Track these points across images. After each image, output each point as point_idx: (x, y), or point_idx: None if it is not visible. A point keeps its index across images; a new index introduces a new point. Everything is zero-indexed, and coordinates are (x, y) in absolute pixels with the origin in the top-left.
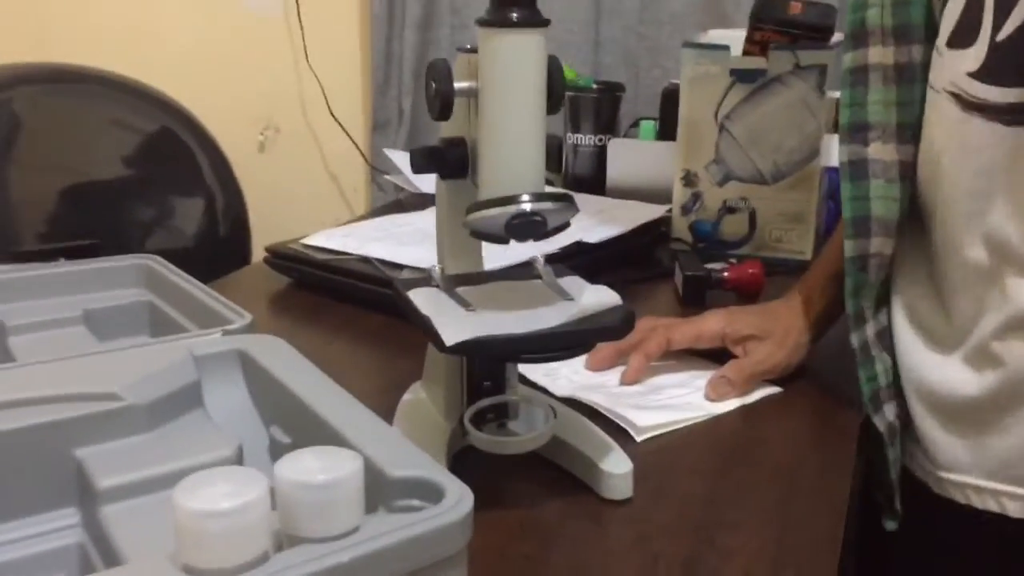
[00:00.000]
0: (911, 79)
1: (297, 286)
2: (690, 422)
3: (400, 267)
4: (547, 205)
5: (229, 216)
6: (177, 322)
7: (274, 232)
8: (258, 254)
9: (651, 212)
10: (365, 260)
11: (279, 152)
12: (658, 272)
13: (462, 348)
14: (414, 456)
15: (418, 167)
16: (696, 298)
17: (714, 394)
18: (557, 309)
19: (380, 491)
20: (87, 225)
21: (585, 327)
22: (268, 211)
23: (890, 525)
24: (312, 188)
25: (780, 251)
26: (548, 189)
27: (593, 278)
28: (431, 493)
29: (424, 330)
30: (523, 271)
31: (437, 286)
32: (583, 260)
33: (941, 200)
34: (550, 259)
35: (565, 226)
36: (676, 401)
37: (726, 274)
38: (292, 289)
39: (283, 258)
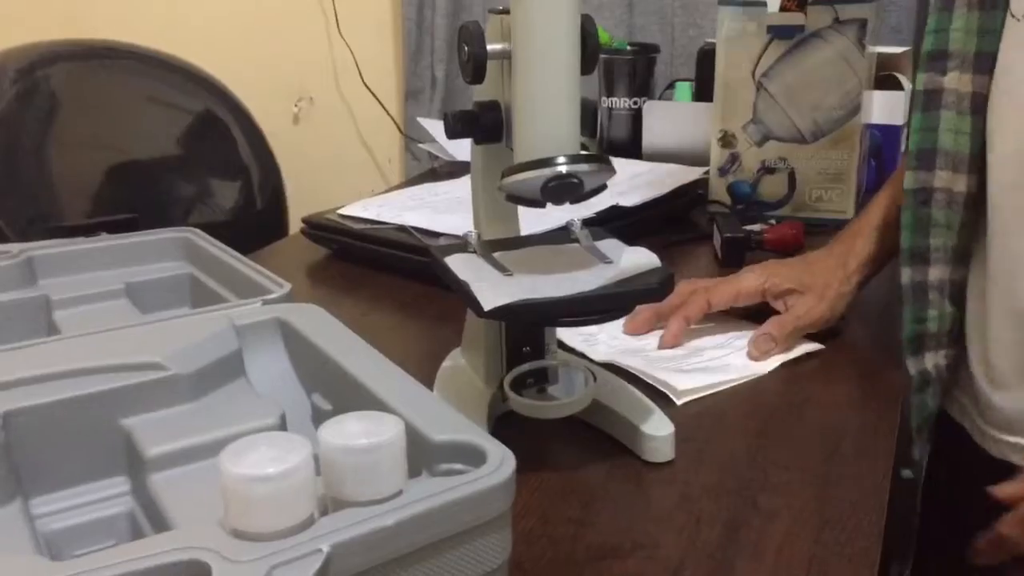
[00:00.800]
0: (993, 5)
1: (335, 256)
2: (730, 384)
3: (437, 235)
4: (583, 167)
5: (266, 188)
6: (217, 293)
7: (310, 203)
8: (295, 225)
9: (688, 174)
10: (402, 229)
11: (313, 123)
12: (696, 235)
13: (500, 313)
14: (455, 420)
15: (452, 132)
16: (735, 260)
17: (756, 351)
18: (595, 272)
19: (423, 456)
20: (126, 200)
21: (624, 289)
22: (304, 182)
23: (905, 473)
24: (347, 158)
25: (820, 211)
26: (584, 151)
27: (631, 242)
28: (473, 456)
29: (462, 296)
30: (560, 235)
31: (474, 252)
32: (620, 224)
33: (1013, 132)
34: (587, 223)
35: (602, 188)
36: (716, 363)
37: (765, 235)
38: (330, 259)
39: (320, 229)
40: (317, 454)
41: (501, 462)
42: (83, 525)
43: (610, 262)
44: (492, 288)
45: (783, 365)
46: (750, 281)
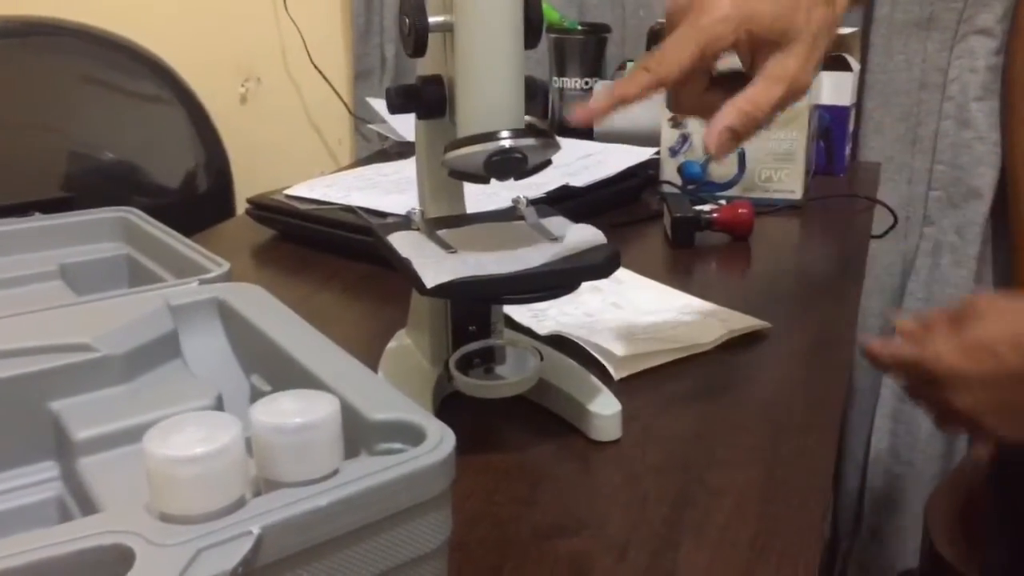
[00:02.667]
0: None
1: (280, 238)
2: (671, 356)
3: (384, 215)
4: (527, 141)
5: (211, 170)
6: (156, 274)
7: (258, 185)
8: (241, 208)
9: (639, 155)
10: (348, 209)
11: (261, 104)
12: (647, 215)
13: (443, 290)
14: (395, 399)
15: (394, 107)
16: (686, 239)
17: (713, 147)
18: (541, 249)
19: (361, 435)
20: (65, 183)
21: (569, 266)
22: (251, 164)
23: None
24: (296, 140)
25: (770, 191)
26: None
27: (581, 222)
28: (412, 435)
29: (404, 273)
30: (506, 213)
31: (417, 229)
32: (571, 205)
33: None
34: (536, 203)
35: (546, 164)
36: (661, 334)
37: (715, 215)
38: (275, 241)
39: (265, 209)
40: (249, 436)
41: (440, 440)
42: (10, 511)
43: (556, 239)
44: (435, 265)
45: (730, 341)
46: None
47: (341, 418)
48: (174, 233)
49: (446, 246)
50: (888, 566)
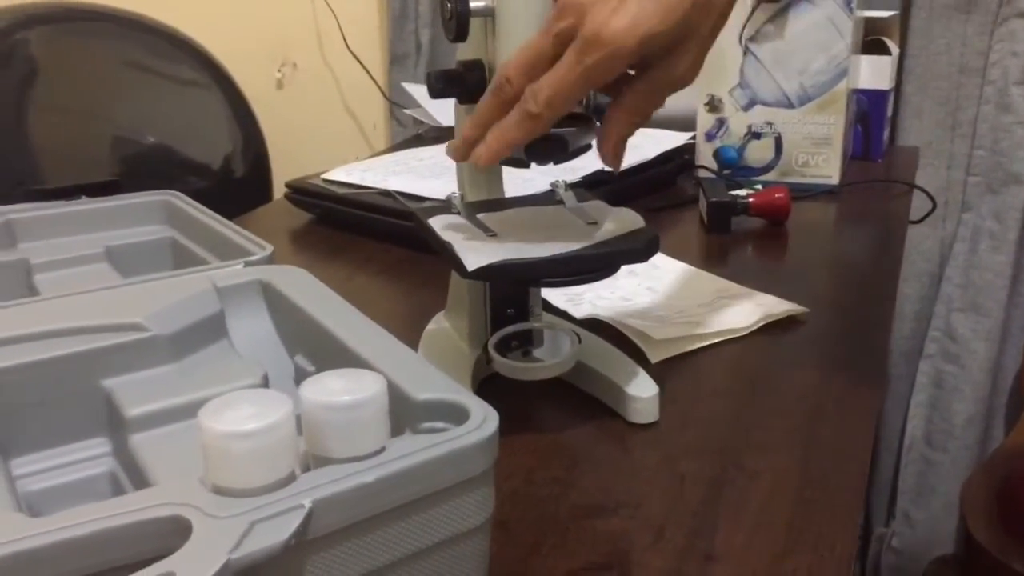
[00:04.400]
0: None
1: (318, 221)
2: (707, 341)
3: (421, 199)
4: (568, 126)
5: (249, 154)
6: (199, 256)
7: (294, 170)
8: (279, 192)
9: (675, 139)
10: (386, 193)
11: (297, 89)
12: (683, 200)
13: (484, 273)
14: (439, 379)
15: (436, 91)
16: (722, 225)
17: (614, 162)
18: (580, 233)
19: (405, 414)
20: (107, 166)
21: (609, 250)
22: (288, 149)
23: None
24: (331, 125)
25: (807, 176)
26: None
27: (618, 205)
28: (456, 415)
29: (446, 256)
30: (545, 197)
31: (458, 213)
32: (606, 189)
33: None
34: (572, 187)
35: (586, 148)
36: (697, 318)
37: (751, 200)
38: (313, 225)
39: (304, 193)
40: (299, 414)
41: (484, 419)
42: (64, 486)
43: (595, 223)
44: (476, 249)
45: (767, 325)
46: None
47: (387, 397)
48: (217, 216)
49: (486, 229)
50: (922, 552)
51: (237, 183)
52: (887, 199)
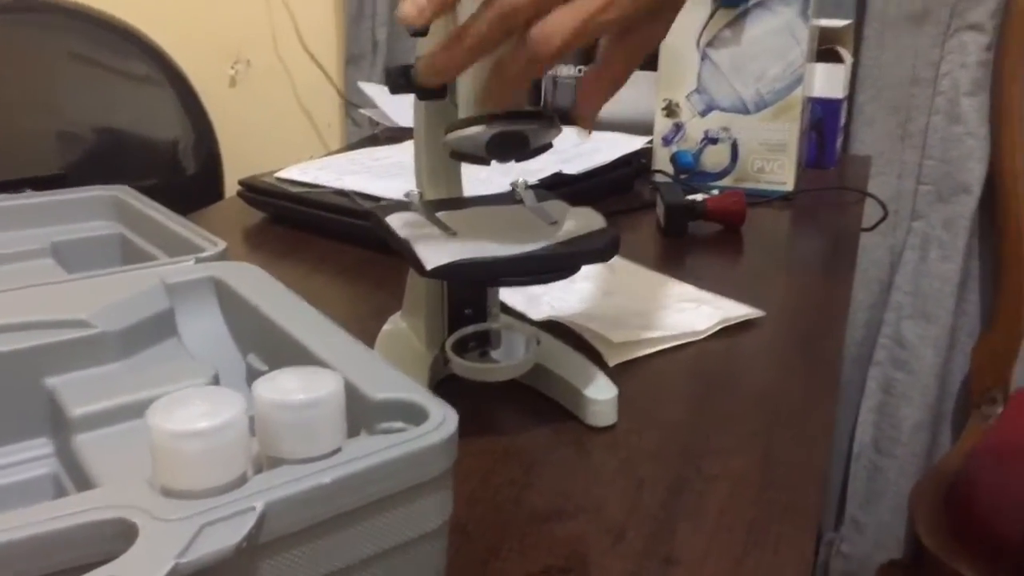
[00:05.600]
0: None
1: (272, 221)
2: (666, 344)
3: (377, 199)
4: (529, 123)
5: (200, 152)
6: (149, 253)
7: (247, 168)
8: (230, 191)
9: (632, 143)
10: (341, 193)
11: (250, 86)
12: (640, 203)
13: (443, 272)
14: (396, 378)
15: (395, 87)
16: (678, 228)
17: (589, 125)
18: (540, 232)
19: (362, 414)
20: (54, 161)
21: (570, 250)
22: (241, 147)
23: None
24: (285, 123)
25: (762, 182)
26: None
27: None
28: (414, 415)
29: (404, 254)
30: (505, 196)
31: (417, 211)
32: (564, 192)
33: None
34: (532, 188)
35: (547, 146)
36: (655, 321)
37: (708, 204)
38: (267, 224)
39: (257, 191)
40: (252, 414)
41: (443, 420)
42: (4, 488)
43: (555, 222)
44: (435, 247)
45: (723, 329)
46: None
47: (344, 396)
48: (167, 211)
49: (446, 228)
50: (871, 557)
51: (188, 181)
52: (840, 206)
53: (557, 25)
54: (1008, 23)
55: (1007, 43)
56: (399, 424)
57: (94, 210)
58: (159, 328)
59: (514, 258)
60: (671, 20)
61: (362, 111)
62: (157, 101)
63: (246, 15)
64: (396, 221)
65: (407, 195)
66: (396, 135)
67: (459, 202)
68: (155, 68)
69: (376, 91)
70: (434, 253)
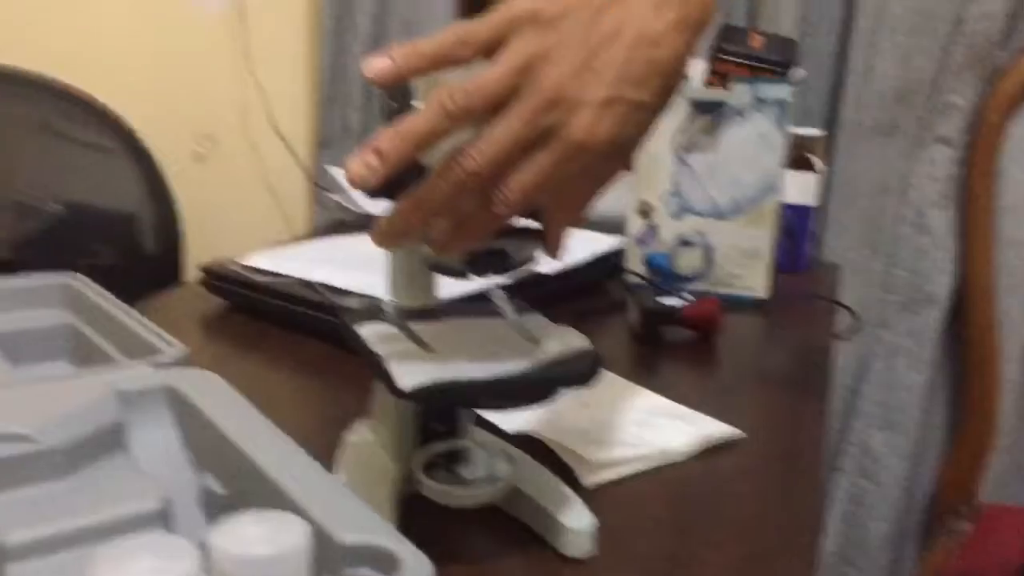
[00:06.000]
0: None
1: (234, 309)
2: (644, 465)
3: (344, 293)
4: (510, 239)
5: (162, 229)
6: (101, 349)
7: (210, 247)
8: (192, 271)
9: (606, 243)
10: (307, 284)
11: (216, 164)
12: (611, 305)
13: (419, 394)
14: (366, 518)
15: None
16: (652, 334)
17: (555, 253)
18: (521, 352)
19: (327, 558)
20: (6, 236)
21: (551, 374)
22: (204, 225)
23: None
24: (251, 203)
25: (735, 287)
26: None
27: (545, 309)
28: (385, 562)
29: (376, 372)
30: (482, 306)
31: (389, 321)
32: (537, 291)
33: None
34: (503, 289)
35: (529, 260)
36: (632, 438)
37: (682, 311)
38: (229, 312)
39: (220, 279)
40: (206, 560)
41: (416, 572)
42: None
43: (535, 340)
44: (410, 365)
45: (704, 451)
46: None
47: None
48: (121, 304)
49: (421, 343)
50: None
51: (148, 259)
52: (812, 314)
53: (515, 185)
54: (977, 138)
55: (976, 158)
56: (367, 571)
57: (43, 299)
58: (107, 442)
59: (493, 382)
60: (630, 156)
61: (331, 196)
62: (119, 175)
63: (216, 92)
64: (368, 333)
65: (378, 304)
66: (366, 222)
67: (435, 312)
68: (118, 141)
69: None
70: (410, 373)
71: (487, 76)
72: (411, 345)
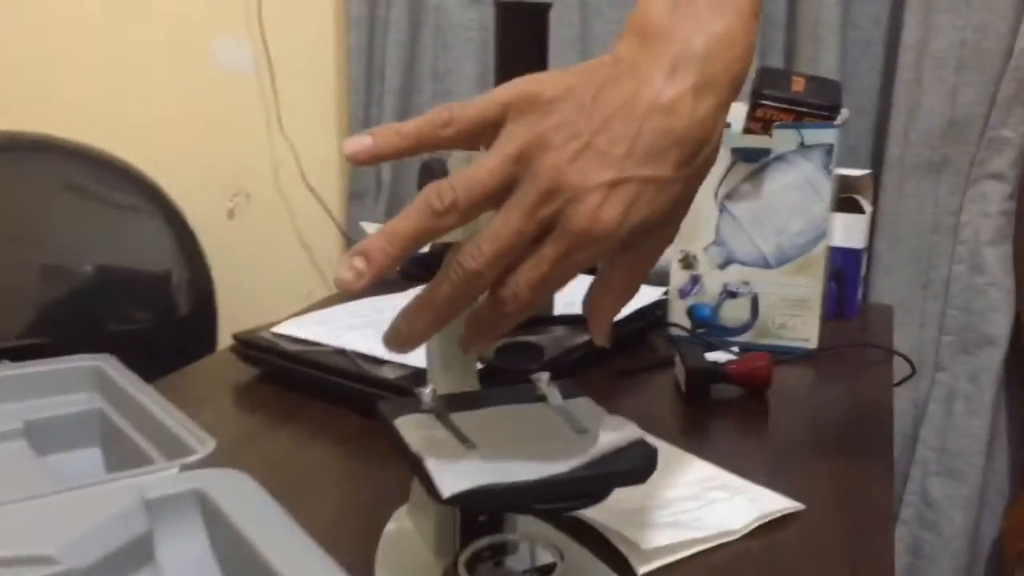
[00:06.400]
0: None
1: (268, 378)
2: (701, 546)
3: (380, 362)
4: (544, 330)
5: (195, 289)
6: (130, 437)
7: (245, 306)
8: (225, 328)
9: (648, 295)
10: (341, 352)
11: (249, 220)
12: (655, 361)
13: (462, 499)
14: None
15: (409, 275)
16: (700, 393)
17: (601, 338)
18: (569, 446)
19: None
20: (39, 301)
21: (602, 471)
22: (238, 282)
23: None
24: (284, 259)
25: (783, 338)
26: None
27: (588, 367)
28: None
29: (416, 474)
30: (525, 391)
31: (428, 411)
32: (579, 350)
33: None
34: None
35: (568, 350)
36: (686, 517)
37: (731, 367)
38: (262, 382)
39: (252, 347)
40: None
41: None
42: None
43: (584, 431)
44: (452, 467)
45: (761, 527)
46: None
47: None
48: (152, 392)
49: (463, 439)
50: None
51: (183, 319)
52: (866, 363)
53: (523, 282)
54: None
55: None
56: None
57: (73, 383)
58: (135, 556)
59: (540, 483)
60: (680, 222)
61: None
62: (150, 236)
63: (247, 147)
64: (406, 428)
65: (418, 393)
66: (398, 277)
67: (476, 399)
68: (147, 201)
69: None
70: (451, 476)
71: (479, 168)
72: (452, 440)
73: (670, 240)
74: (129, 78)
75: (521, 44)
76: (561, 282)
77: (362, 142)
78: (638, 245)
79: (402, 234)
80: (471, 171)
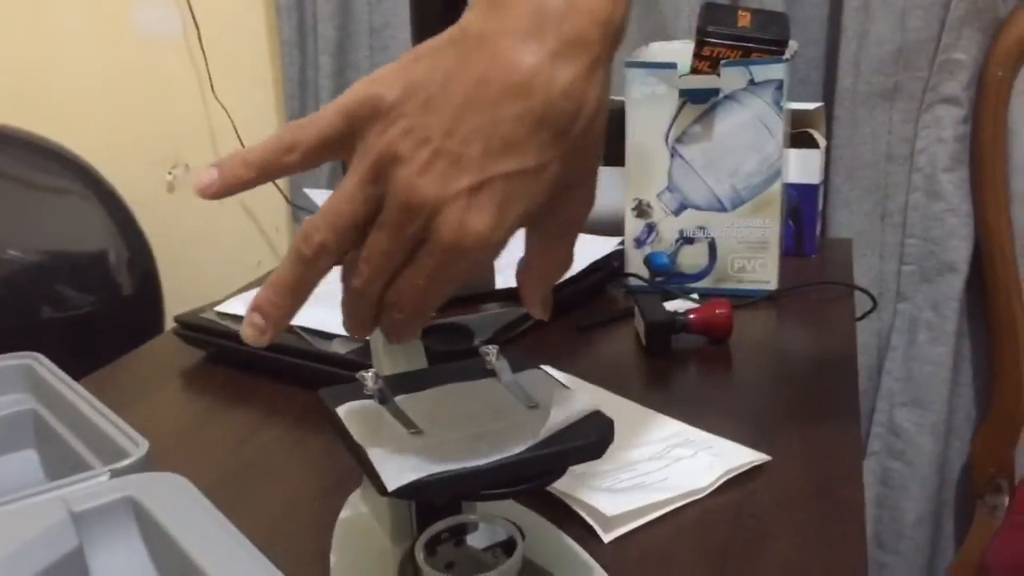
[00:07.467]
0: None
1: (214, 359)
2: (667, 508)
3: (330, 336)
4: (477, 309)
5: (136, 271)
6: (64, 440)
7: (192, 281)
8: (175, 305)
9: (603, 246)
10: (289, 329)
11: (190, 193)
12: (616, 313)
13: (407, 491)
14: None
15: None
16: (661, 345)
17: (539, 312)
18: (520, 424)
19: None
20: None
21: (555, 449)
22: (185, 257)
23: None
24: (230, 230)
25: (744, 282)
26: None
27: (546, 323)
28: None
29: (361, 466)
30: (473, 366)
31: (372, 396)
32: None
33: None
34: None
35: (514, 325)
36: (650, 479)
37: (692, 316)
38: (209, 363)
39: (195, 330)
40: None
41: None
42: None
43: (535, 406)
44: (396, 457)
45: (728, 482)
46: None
47: None
48: (83, 392)
49: (408, 424)
50: None
51: (125, 301)
52: (827, 301)
53: (409, 292)
54: (982, 94)
55: (983, 115)
56: None
57: (6, 383)
58: (66, 573)
59: (490, 468)
60: (587, 187)
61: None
62: (83, 217)
63: (181, 117)
64: (349, 416)
65: (360, 376)
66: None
67: (421, 379)
68: (79, 182)
69: (322, 196)
70: (395, 468)
71: (339, 196)
72: (397, 427)
73: (587, 200)
74: (49, 53)
75: None
76: (445, 292)
77: (209, 176)
78: (543, 223)
79: (286, 287)
80: (333, 201)
